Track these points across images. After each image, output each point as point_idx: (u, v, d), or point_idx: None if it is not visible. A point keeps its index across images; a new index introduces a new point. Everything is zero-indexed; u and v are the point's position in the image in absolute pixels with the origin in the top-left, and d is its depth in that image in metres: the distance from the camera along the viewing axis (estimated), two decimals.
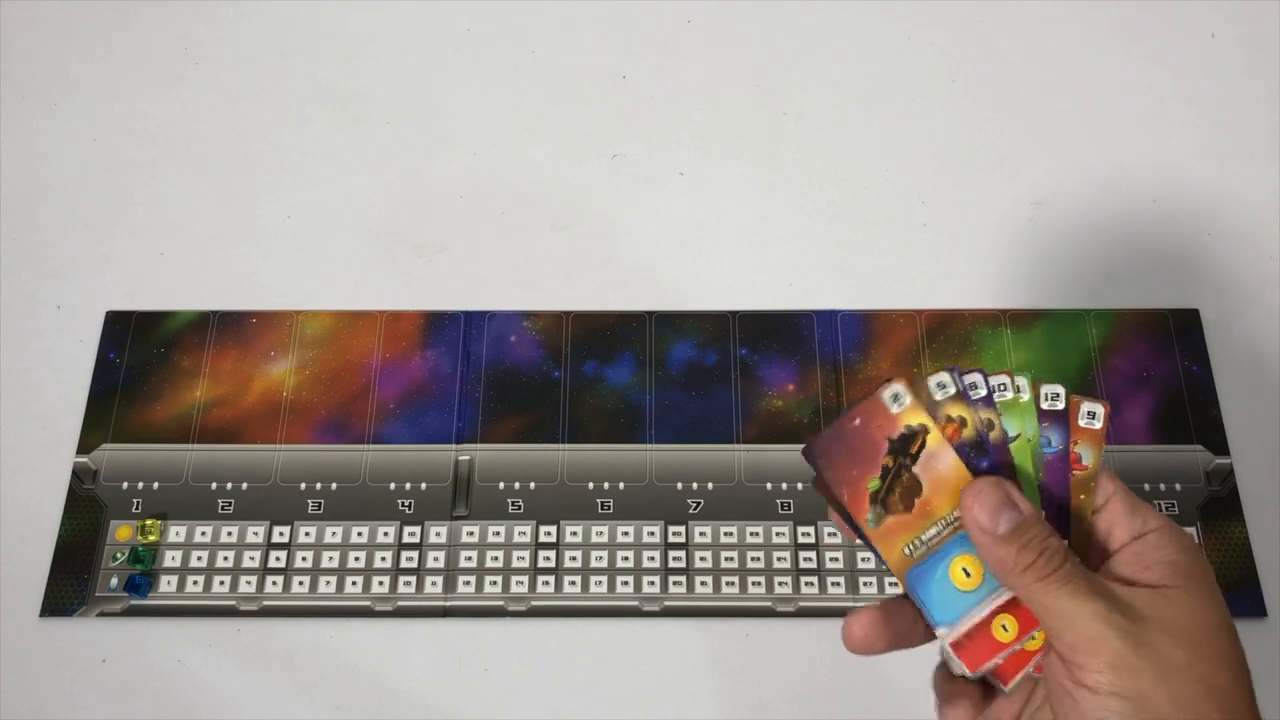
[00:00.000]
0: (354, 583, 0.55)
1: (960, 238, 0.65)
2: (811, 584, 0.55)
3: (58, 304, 0.63)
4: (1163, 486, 0.57)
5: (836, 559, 0.56)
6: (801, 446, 0.39)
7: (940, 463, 0.38)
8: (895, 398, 0.38)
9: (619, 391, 0.60)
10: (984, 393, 0.39)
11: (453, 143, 0.68)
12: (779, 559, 0.56)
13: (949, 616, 0.38)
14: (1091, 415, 0.39)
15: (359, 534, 0.56)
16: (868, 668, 0.54)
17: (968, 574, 0.38)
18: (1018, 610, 0.37)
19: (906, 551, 0.38)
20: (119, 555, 0.56)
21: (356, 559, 0.56)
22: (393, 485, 0.57)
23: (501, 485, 0.57)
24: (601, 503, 0.57)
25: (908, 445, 0.38)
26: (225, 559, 0.56)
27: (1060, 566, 0.35)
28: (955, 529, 0.38)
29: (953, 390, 0.39)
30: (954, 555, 0.38)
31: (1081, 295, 0.62)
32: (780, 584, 0.55)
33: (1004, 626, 0.38)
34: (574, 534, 0.56)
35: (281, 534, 0.56)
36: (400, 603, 0.55)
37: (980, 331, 0.61)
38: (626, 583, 0.55)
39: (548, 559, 0.56)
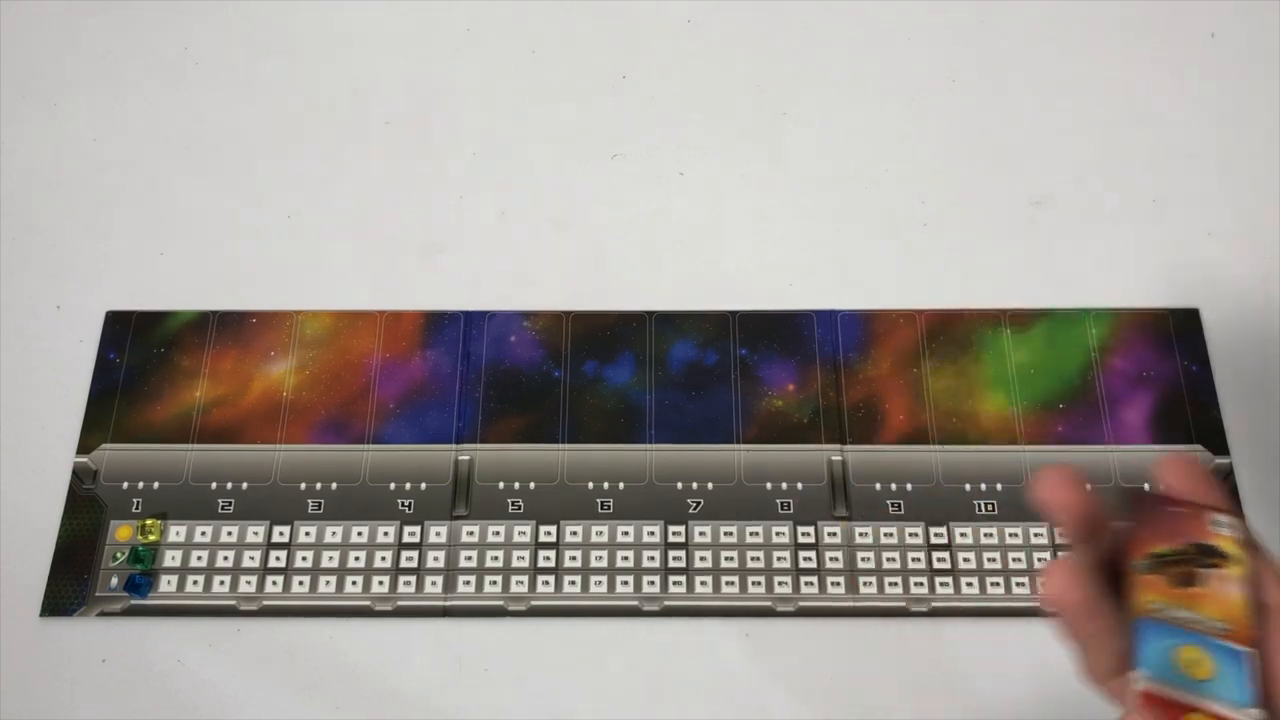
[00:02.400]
0: (354, 582, 0.55)
1: (960, 237, 0.65)
2: (811, 584, 0.55)
3: (58, 304, 0.63)
4: (1163, 486, 0.57)
5: (836, 559, 0.56)
6: (1127, 489, 0.39)
7: (1225, 588, 0.38)
8: (1222, 524, 0.38)
9: (619, 391, 0.60)
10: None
11: (453, 143, 0.68)
12: (779, 559, 0.56)
13: (1155, 671, 0.37)
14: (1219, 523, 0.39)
15: (359, 534, 0.56)
16: (867, 668, 0.54)
17: (1198, 664, 0.37)
18: None
19: (1152, 606, 0.37)
20: (119, 555, 0.56)
21: (356, 559, 0.56)
22: (392, 485, 0.57)
23: (501, 485, 0.57)
24: (601, 503, 0.57)
25: (1210, 555, 0.38)
26: (225, 559, 0.56)
27: None
28: (1211, 633, 0.37)
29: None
30: (1192, 644, 0.37)
31: (1081, 295, 0.62)
32: (780, 584, 0.55)
33: None
34: (574, 534, 0.56)
35: (281, 534, 0.56)
36: (400, 602, 0.55)
37: (980, 332, 0.61)
38: (626, 582, 0.55)
39: (548, 559, 0.56)
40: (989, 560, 0.55)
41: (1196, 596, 0.38)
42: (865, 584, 0.55)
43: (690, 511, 0.57)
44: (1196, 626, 0.37)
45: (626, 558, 0.56)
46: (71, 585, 0.55)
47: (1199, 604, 0.38)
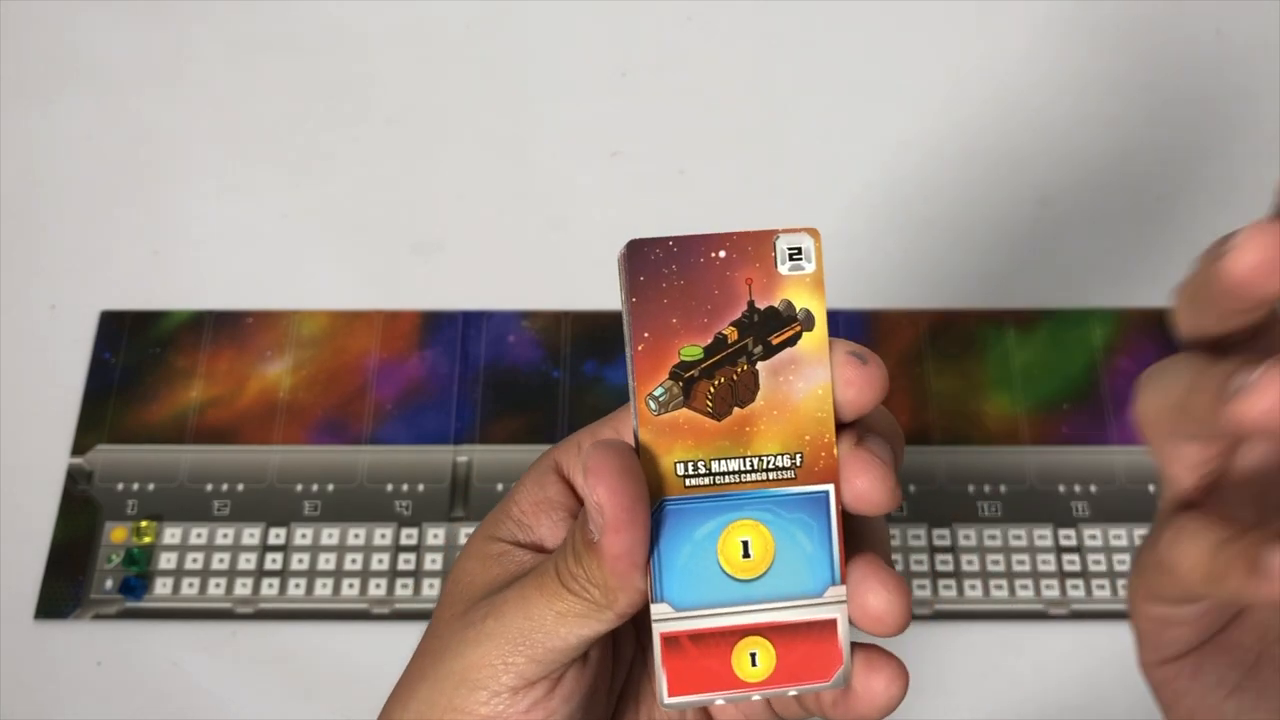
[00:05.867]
0: (351, 585, 0.55)
1: (964, 237, 0.64)
2: None
3: (52, 304, 0.62)
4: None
5: None
6: (627, 241, 0.27)
7: (802, 378, 0.26)
8: (794, 255, 0.27)
9: (619, 392, 0.59)
10: None
11: (450, 141, 0.68)
12: None
13: (687, 598, 0.26)
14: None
15: (356, 536, 0.56)
16: None
17: (748, 554, 0.26)
18: (789, 642, 0.26)
19: (678, 471, 0.26)
20: (114, 557, 0.55)
21: (353, 561, 0.55)
22: (390, 486, 0.57)
23: (500, 486, 0.57)
24: None
25: (773, 327, 0.26)
26: (221, 561, 0.55)
27: None
28: (767, 482, 0.26)
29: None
30: (740, 517, 0.26)
31: (1085, 295, 0.62)
32: None
33: (753, 657, 0.26)
34: None
35: (278, 536, 0.56)
36: (398, 605, 0.55)
37: (984, 332, 0.61)
38: None
39: None
40: (992, 563, 0.55)
41: (750, 424, 0.26)
42: None
43: None
44: (747, 484, 0.26)
45: None
46: (66, 588, 0.55)
47: (757, 435, 0.26)
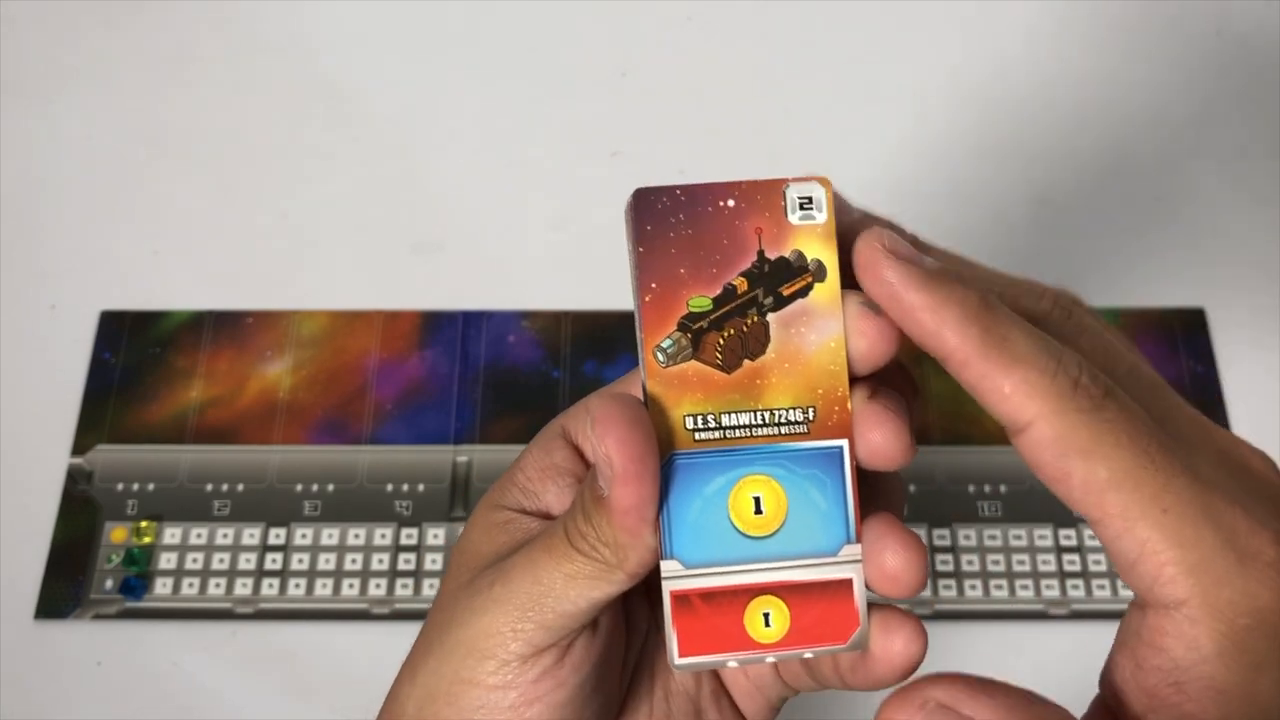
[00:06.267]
0: (351, 585, 0.55)
1: (963, 237, 0.64)
2: None
3: (52, 304, 0.62)
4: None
5: None
6: (634, 190, 0.26)
7: (814, 330, 0.25)
8: (805, 205, 0.26)
9: None
10: None
11: (450, 141, 0.68)
12: None
13: (697, 555, 0.25)
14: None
15: (356, 536, 0.56)
16: None
17: (760, 510, 0.25)
18: (803, 602, 0.25)
19: (687, 424, 0.25)
20: (114, 557, 0.55)
21: (354, 561, 0.55)
22: (390, 486, 0.57)
23: None
24: None
25: (783, 278, 0.25)
26: (221, 561, 0.55)
27: (1109, 392, 0.24)
28: (779, 436, 0.25)
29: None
30: (751, 472, 0.25)
31: (1085, 294, 0.62)
32: None
33: (767, 618, 0.25)
34: None
35: (278, 536, 0.56)
36: (398, 605, 0.55)
37: None
38: None
39: None
40: (993, 563, 0.55)
41: (762, 376, 0.25)
42: None
43: None
44: (759, 438, 0.25)
45: None
46: (66, 588, 0.55)
47: (768, 389, 0.25)
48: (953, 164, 0.66)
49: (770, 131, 0.68)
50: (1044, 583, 0.54)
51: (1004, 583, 0.55)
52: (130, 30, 0.72)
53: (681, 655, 0.25)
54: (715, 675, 0.30)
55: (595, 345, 0.60)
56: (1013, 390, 0.24)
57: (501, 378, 0.60)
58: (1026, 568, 0.55)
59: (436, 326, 0.61)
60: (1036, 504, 0.56)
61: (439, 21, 0.72)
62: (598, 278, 0.63)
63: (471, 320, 0.61)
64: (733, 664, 0.26)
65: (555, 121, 0.68)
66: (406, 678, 0.29)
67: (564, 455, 0.30)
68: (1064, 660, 0.53)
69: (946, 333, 0.24)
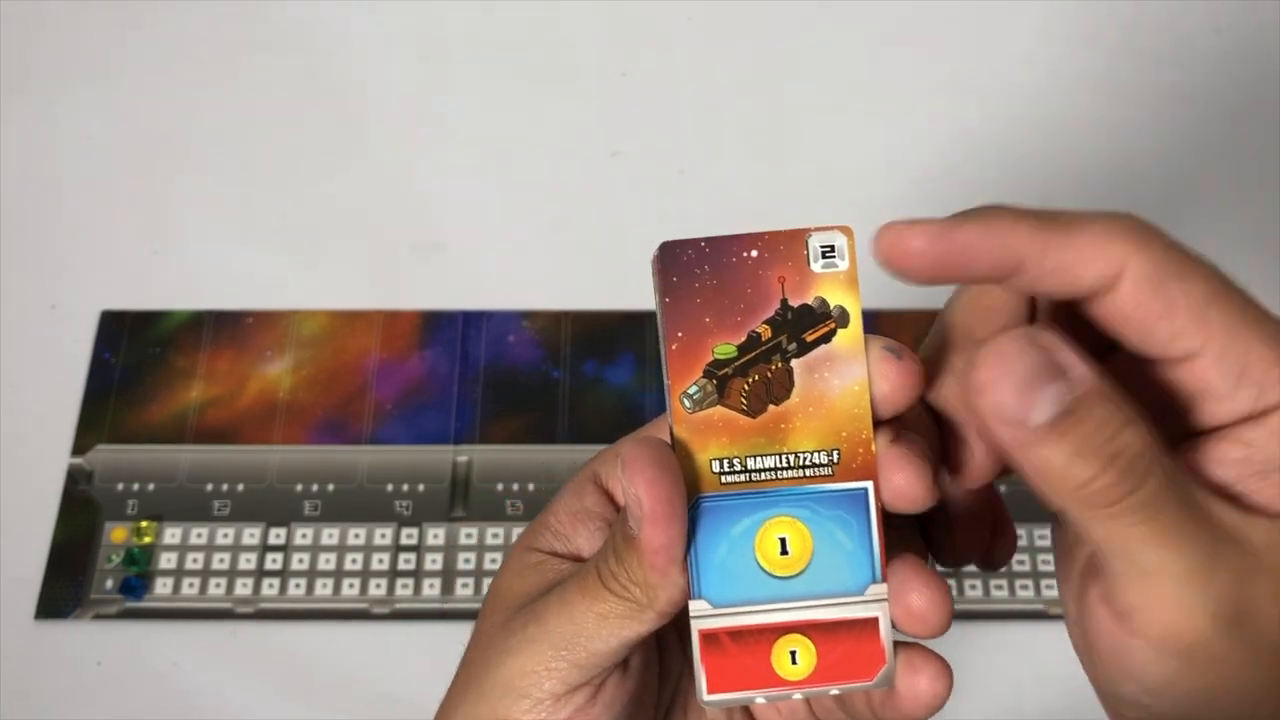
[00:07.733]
0: (351, 585, 0.55)
1: None
2: None
3: (52, 304, 0.62)
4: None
5: None
6: (660, 243, 0.27)
7: (838, 375, 0.26)
8: (827, 253, 0.28)
9: (619, 391, 0.59)
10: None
11: (451, 141, 0.68)
12: None
13: (725, 594, 0.25)
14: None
15: (356, 536, 0.56)
16: None
17: (785, 551, 0.25)
18: (830, 641, 0.25)
19: (714, 468, 0.25)
20: (114, 557, 0.55)
21: (353, 561, 0.55)
22: (390, 486, 0.57)
23: (500, 486, 0.57)
24: None
25: (807, 324, 0.27)
26: (221, 561, 0.55)
27: (1140, 485, 0.23)
28: (804, 479, 0.25)
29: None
30: (777, 513, 0.26)
31: None
32: None
33: (794, 655, 0.25)
34: None
35: (278, 536, 0.56)
36: (398, 605, 0.55)
37: None
38: None
39: None
40: None
41: (786, 421, 0.25)
42: None
43: None
44: (783, 481, 0.25)
45: None
46: (66, 588, 0.55)
47: (792, 433, 0.25)
48: (952, 164, 0.66)
49: (770, 131, 0.68)
50: (1044, 583, 0.54)
51: (1004, 582, 0.55)
52: (131, 30, 0.72)
53: (710, 691, 0.26)
54: (748, 712, 0.30)
55: (595, 345, 0.60)
56: (1095, 242, 0.26)
57: (501, 378, 0.60)
58: (1026, 568, 0.55)
59: (436, 326, 0.61)
60: (1036, 504, 0.56)
61: (439, 22, 0.72)
62: (598, 278, 0.63)
63: (471, 320, 0.61)
64: (760, 700, 0.26)
65: (555, 121, 0.68)
66: (444, 718, 0.29)
67: (595, 499, 0.30)
68: (1064, 660, 0.53)
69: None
